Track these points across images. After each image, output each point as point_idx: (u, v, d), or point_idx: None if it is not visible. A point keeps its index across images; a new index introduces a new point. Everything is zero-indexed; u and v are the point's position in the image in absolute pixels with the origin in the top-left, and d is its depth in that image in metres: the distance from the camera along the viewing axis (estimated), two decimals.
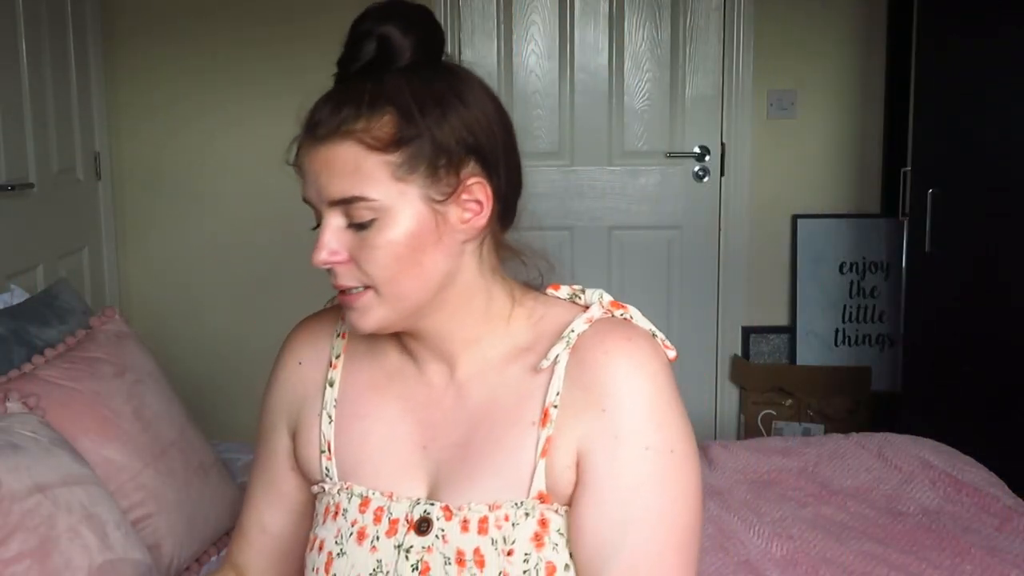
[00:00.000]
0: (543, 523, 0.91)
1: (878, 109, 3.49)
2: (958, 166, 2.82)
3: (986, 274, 2.73)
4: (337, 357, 1.04)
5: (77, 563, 1.32)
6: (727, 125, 3.47)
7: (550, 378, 0.93)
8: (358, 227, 0.89)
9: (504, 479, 0.92)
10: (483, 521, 0.91)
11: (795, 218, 3.53)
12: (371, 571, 0.94)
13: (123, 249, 3.40)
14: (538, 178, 3.37)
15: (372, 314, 0.92)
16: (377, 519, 0.95)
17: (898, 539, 1.80)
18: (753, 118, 3.47)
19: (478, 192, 0.91)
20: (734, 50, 3.43)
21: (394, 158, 0.87)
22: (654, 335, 0.97)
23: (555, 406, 0.92)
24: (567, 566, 0.91)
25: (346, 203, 0.88)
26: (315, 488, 1.03)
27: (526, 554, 0.90)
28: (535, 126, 3.44)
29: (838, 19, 3.46)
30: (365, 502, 0.97)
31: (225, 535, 1.84)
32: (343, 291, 0.92)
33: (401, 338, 1.00)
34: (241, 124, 3.41)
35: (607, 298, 0.99)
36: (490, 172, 0.92)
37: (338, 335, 1.05)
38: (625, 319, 0.97)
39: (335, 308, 1.07)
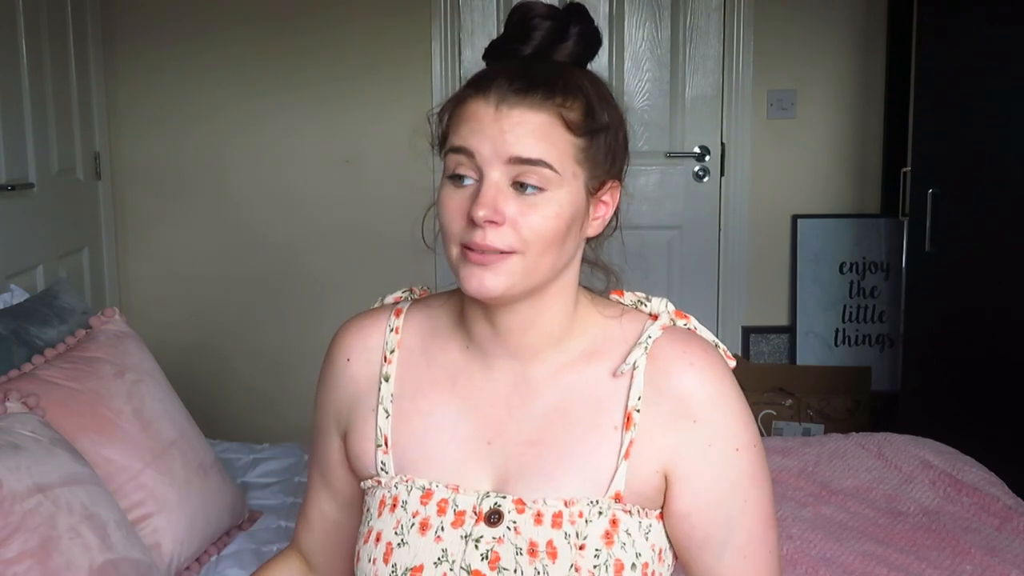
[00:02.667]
0: (614, 522, 0.94)
1: (878, 109, 3.49)
2: (958, 166, 2.82)
3: (986, 274, 2.73)
4: (392, 352, 1.04)
5: (78, 563, 1.32)
6: (727, 125, 3.48)
7: (630, 383, 0.97)
8: (523, 189, 0.89)
9: (582, 478, 0.95)
10: (557, 516, 0.94)
11: (795, 218, 3.53)
12: (435, 560, 0.95)
13: (123, 249, 3.40)
14: None
15: (507, 276, 0.91)
16: (441, 511, 0.96)
17: (898, 539, 1.80)
18: (753, 118, 3.47)
19: (615, 193, 0.98)
20: (734, 50, 3.43)
21: (580, 142, 0.92)
22: (717, 346, 1.03)
23: (637, 411, 0.96)
24: (633, 565, 0.95)
25: (529, 163, 0.89)
26: (367, 483, 1.03)
27: (597, 550, 0.93)
28: None
29: (838, 19, 3.46)
30: (428, 494, 0.97)
31: (225, 535, 1.84)
32: (482, 252, 0.90)
33: (472, 334, 1.00)
34: (241, 124, 3.41)
35: (671, 307, 1.05)
36: (622, 177, 0.99)
37: (391, 330, 1.05)
38: (690, 329, 1.03)
39: (385, 307, 1.08)
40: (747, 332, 3.56)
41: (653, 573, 0.96)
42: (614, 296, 1.05)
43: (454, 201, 0.91)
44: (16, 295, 2.09)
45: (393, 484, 0.99)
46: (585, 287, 1.03)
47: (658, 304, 1.04)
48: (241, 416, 3.48)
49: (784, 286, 3.58)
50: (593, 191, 0.94)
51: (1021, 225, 2.58)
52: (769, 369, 3.51)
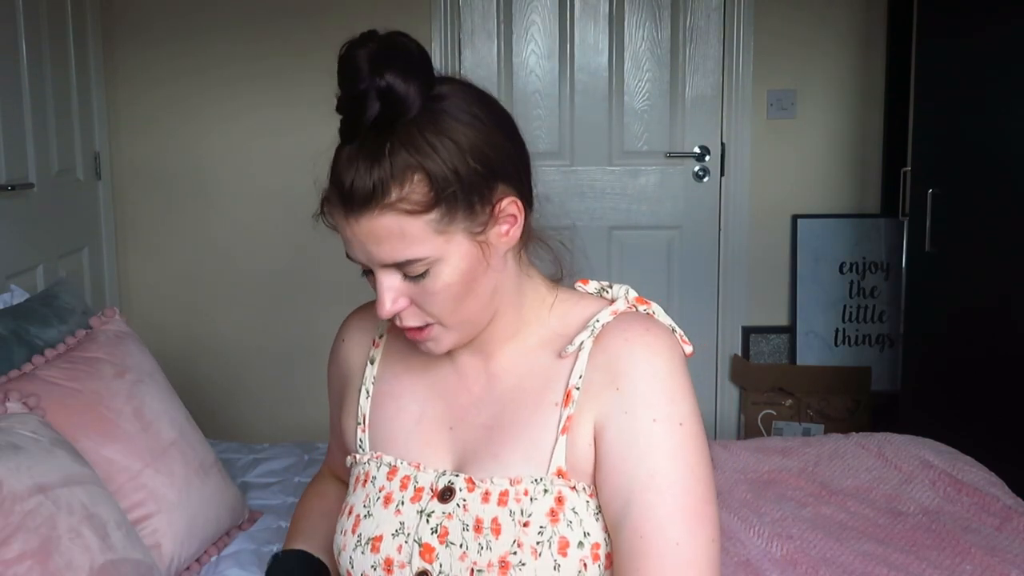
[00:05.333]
0: (559, 500, 0.97)
1: (878, 109, 3.49)
2: (958, 166, 2.82)
3: (986, 274, 2.73)
4: (380, 337, 1.13)
5: (78, 563, 1.32)
6: (727, 125, 3.48)
7: (574, 363, 1.00)
8: (413, 279, 0.94)
9: (526, 456, 0.99)
10: (503, 494, 0.97)
11: (795, 218, 3.53)
12: (394, 531, 1.01)
13: (123, 249, 3.41)
14: (538, 178, 3.36)
15: (443, 342, 0.99)
16: (403, 486, 1.03)
17: (898, 539, 1.80)
18: (753, 118, 3.47)
19: (511, 208, 0.96)
20: (734, 50, 3.43)
21: (433, 215, 0.91)
22: (674, 330, 1.04)
23: (577, 388, 0.99)
24: (580, 543, 0.96)
25: (399, 265, 0.93)
26: (348, 460, 1.12)
27: (541, 527, 0.96)
28: (535, 126, 3.44)
29: (838, 19, 3.46)
30: (393, 471, 1.04)
31: (225, 535, 1.84)
32: (409, 328, 0.98)
33: None
34: (241, 124, 3.41)
35: (632, 293, 1.06)
36: (514, 183, 0.97)
37: None
38: (648, 314, 1.04)
39: None
40: (747, 332, 3.57)
41: (608, 556, 0.97)
42: (579, 285, 1.10)
43: (371, 283, 0.97)
44: (16, 295, 2.09)
45: (366, 460, 1.07)
46: (547, 277, 1.07)
47: (618, 291, 1.07)
48: (241, 416, 3.48)
49: (784, 286, 3.58)
50: (480, 230, 0.94)
51: (1021, 225, 2.58)
52: (769, 369, 3.51)
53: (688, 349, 1.03)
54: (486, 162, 0.93)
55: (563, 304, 1.05)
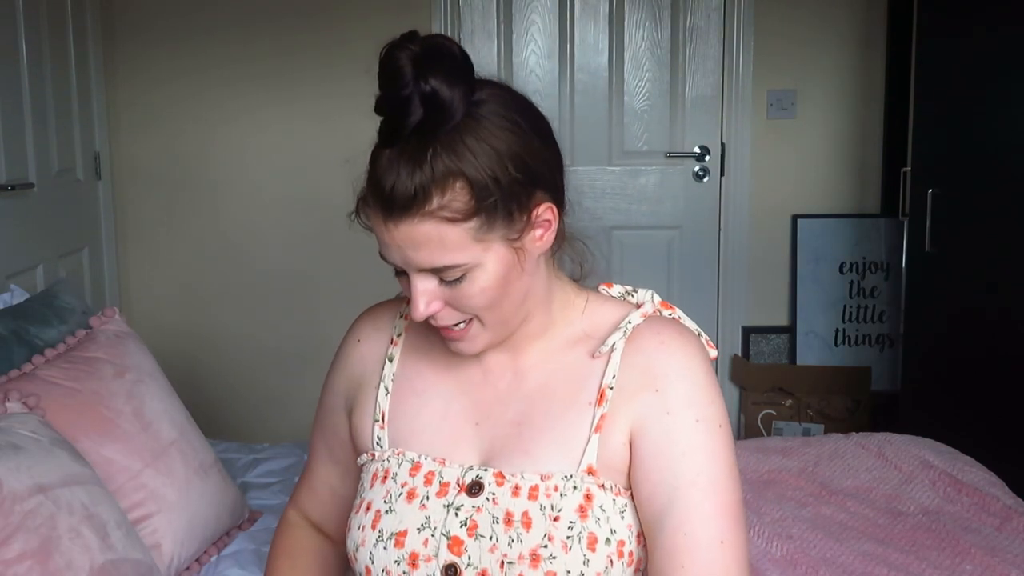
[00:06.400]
0: (588, 497, 0.97)
1: (878, 109, 3.49)
2: (958, 166, 2.81)
3: (986, 274, 2.73)
4: (399, 335, 1.12)
5: (78, 563, 1.32)
6: (727, 125, 3.48)
7: (607, 363, 1.01)
8: (449, 283, 0.94)
9: (558, 452, 0.99)
10: (534, 489, 0.97)
11: (795, 218, 3.53)
12: (419, 526, 1.00)
13: (123, 249, 3.40)
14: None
15: (478, 340, 1.00)
16: (428, 481, 1.02)
17: (898, 539, 1.80)
18: (753, 118, 3.47)
19: (546, 213, 0.97)
20: (734, 50, 3.43)
21: (473, 224, 0.91)
22: (699, 335, 1.06)
23: (611, 388, 1.00)
24: (608, 540, 0.97)
25: (436, 271, 0.93)
26: (362, 458, 1.09)
27: (571, 522, 0.96)
28: None
29: (838, 19, 3.46)
30: (416, 467, 1.03)
31: (225, 535, 1.84)
32: (443, 327, 0.98)
33: None
34: (241, 124, 3.41)
35: (657, 298, 1.08)
36: (550, 188, 0.97)
37: (401, 316, 1.13)
38: (674, 319, 1.07)
39: (399, 298, 1.14)
40: (747, 332, 3.57)
41: (631, 554, 0.98)
42: (603, 288, 1.11)
43: (404, 286, 0.97)
44: (16, 295, 2.09)
45: (386, 457, 1.05)
46: (573, 280, 1.08)
47: (643, 295, 1.09)
48: (241, 416, 3.48)
49: (784, 286, 3.58)
50: (517, 236, 0.94)
51: (1021, 225, 2.58)
52: (769, 369, 3.51)
53: (713, 353, 1.05)
54: (525, 169, 0.93)
55: (592, 305, 1.07)
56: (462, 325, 0.98)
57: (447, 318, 0.97)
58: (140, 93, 3.37)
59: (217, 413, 3.40)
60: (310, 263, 3.45)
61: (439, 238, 0.90)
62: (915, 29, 2.97)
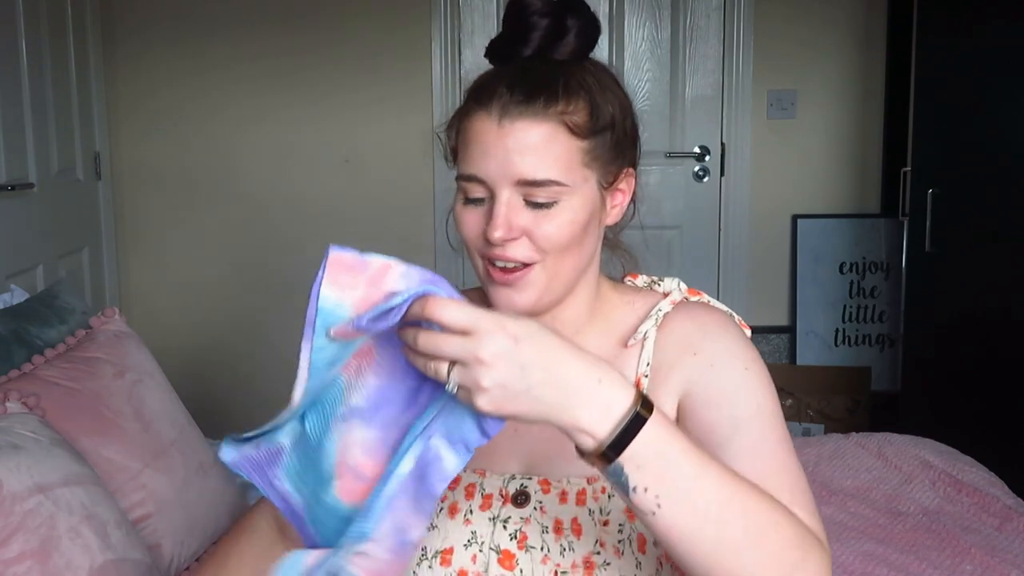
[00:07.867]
0: None
1: (878, 109, 3.49)
2: (958, 166, 2.82)
3: (986, 274, 2.73)
4: None
5: (78, 563, 1.32)
6: (727, 125, 3.48)
7: (640, 352, 1.00)
8: (536, 205, 0.91)
9: None
10: (581, 493, 0.95)
11: (795, 218, 3.53)
12: (466, 542, 0.96)
13: (123, 249, 3.40)
14: None
15: (532, 290, 0.94)
16: (469, 495, 0.99)
17: (898, 539, 1.80)
18: (753, 118, 3.47)
19: (629, 182, 1.00)
20: (734, 50, 3.43)
21: (586, 144, 0.92)
22: (732, 316, 1.06)
23: (646, 376, 0.99)
24: (655, 542, 0.94)
25: (536, 184, 0.90)
26: None
27: (620, 524, 0.94)
28: None
29: (838, 19, 3.46)
30: (456, 480, 0.99)
31: (224, 535, 1.84)
32: (503, 269, 0.93)
33: None
34: (241, 124, 3.41)
35: (684, 285, 1.08)
36: (634, 165, 1.01)
37: None
38: (703, 303, 1.06)
39: None
40: None
41: None
42: (628, 279, 1.11)
43: (471, 218, 0.93)
44: (16, 295, 2.09)
45: None
46: (604, 274, 1.07)
47: (670, 283, 1.09)
48: (242, 416, 3.48)
49: (784, 286, 3.58)
50: (607, 185, 0.96)
51: (1021, 225, 2.58)
52: (769, 369, 3.51)
53: (748, 332, 1.05)
54: (633, 130, 0.99)
55: (624, 296, 1.06)
56: (520, 266, 0.93)
57: (517, 249, 0.92)
58: (140, 93, 3.38)
59: (217, 413, 3.40)
60: (310, 262, 3.44)
61: (552, 144, 0.89)
62: (915, 29, 2.97)
